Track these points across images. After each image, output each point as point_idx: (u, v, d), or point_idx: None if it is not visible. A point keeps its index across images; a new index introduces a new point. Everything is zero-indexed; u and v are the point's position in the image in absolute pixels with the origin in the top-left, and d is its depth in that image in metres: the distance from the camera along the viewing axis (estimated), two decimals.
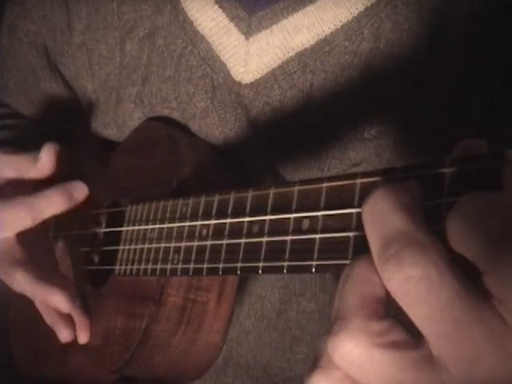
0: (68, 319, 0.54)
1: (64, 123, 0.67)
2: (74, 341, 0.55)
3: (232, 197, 0.39)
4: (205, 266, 0.40)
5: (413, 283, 0.22)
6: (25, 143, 0.66)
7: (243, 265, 0.36)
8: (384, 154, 0.51)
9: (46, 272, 0.53)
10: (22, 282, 0.51)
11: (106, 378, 0.57)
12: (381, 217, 0.24)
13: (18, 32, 0.63)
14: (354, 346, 0.23)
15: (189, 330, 0.48)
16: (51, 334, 0.55)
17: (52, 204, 0.52)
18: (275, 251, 0.34)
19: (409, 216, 0.24)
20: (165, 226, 0.45)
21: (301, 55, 0.51)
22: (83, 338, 0.55)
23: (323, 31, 0.50)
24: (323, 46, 0.50)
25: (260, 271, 0.35)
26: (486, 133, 0.50)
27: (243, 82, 0.52)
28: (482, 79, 0.50)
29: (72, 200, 0.52)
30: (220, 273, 0.38)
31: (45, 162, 0.53)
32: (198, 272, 0.40)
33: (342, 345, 0.23)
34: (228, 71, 0.53)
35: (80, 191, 0.53)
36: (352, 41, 0.50)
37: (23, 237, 0.52)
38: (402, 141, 0.51)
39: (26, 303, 0.55)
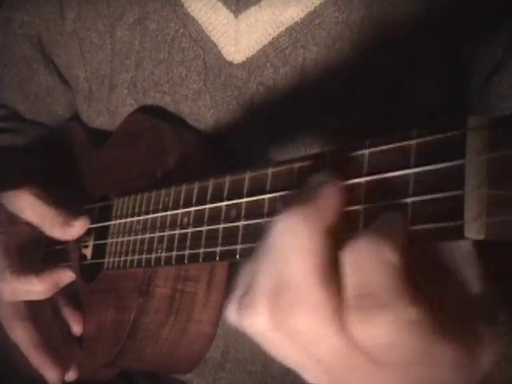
0: (56, 359, 0.52)
1: (58, 119, 0.67)
2: (72, 336, 0.56)
3: (211, 183, 0.39)
4: (186, 252, 0.40)
5: (381, 343, 0.24)
6: (19, 145, 0.67)
7: (221, 248, 0.36)
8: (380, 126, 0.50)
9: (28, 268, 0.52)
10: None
11: (103, 375, 0.57)
12: (364, 269, 0.24)
13: (13, 24, 0.64)
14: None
15: (178, 320, 0.48)
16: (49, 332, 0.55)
17: (35, 293, 0.50)
18: (252, 234, 0.34)
19: (391, 279, 0.24)
20: (149, 216, 0.45)
21: (291, 30, 0.50)
22: (77, 328, 0.55)
23: (312, 3, 0.49)
24: (313, 18, 0.49)
25: (238, 255, 0.35)
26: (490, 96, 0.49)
27: (235, 62, 0.52)
28: (481, 43, 0.49)
29: (57, 288, 0.51)
30: (200, 259, 0.38)
31: (74, 232, 0.52)
32: (180, 260, 0.40)
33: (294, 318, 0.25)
34: (219, 51, 0.52)
35: (67, 278, 0.52)
36: (342, 10, 0.49)
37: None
38: (397, 110, 0.50)
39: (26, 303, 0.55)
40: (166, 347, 0.48)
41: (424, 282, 0.27)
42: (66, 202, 0.54)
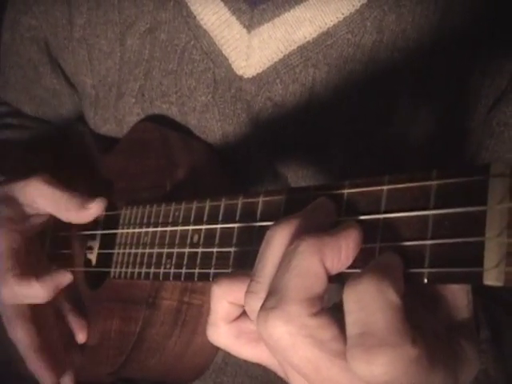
0: (53, 364, 0.52)
1: (64, 119, 0.67)
2: (73, 342, 0.56)
3: (223, 203, 0.39)
4: (196, 271, 0.40)
5: (384, 380, 0.24)
6: (24, 142, 0.66)
7: (233, 271, 0.36)
8: (388, 148, 0.50)
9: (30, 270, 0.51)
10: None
11: (104, 380, 0.58)
12: (368, 309, 0.24)
13: (20, 27, 0.63)
14: (287, 331, 0.25)
15: (184, 333, 0.48)
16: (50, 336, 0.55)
17: (36, 296, 0.49)
18: None
19: (395, 319, 0.24)
20: (158, 230, 0.45)
21: (303, 48, 0.50)
22: (81, 337, 0.55)
23: (325, 24, 0.49)
24: (325, 38, 0.49)
25: None
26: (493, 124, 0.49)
27: (245, 76, 0.52)
28: (489, 71, 0.49)
29: (57, 291, 0.50)
30: (211, 279, 0.38)
31: (90, 214, 0.50)
32: (189, 277, 0.40)
33: (275, 324, 0.26)
34: (230, 65, 0.52)
35: (67, 280, 0.51)
36: (354, 33, 0.49)
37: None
38: (407, 134, 0.50)
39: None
40: (170, 358, 0.48)
41: (418, 314, 0.27)
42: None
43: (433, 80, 0.49)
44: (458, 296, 0.29)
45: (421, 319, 0.27)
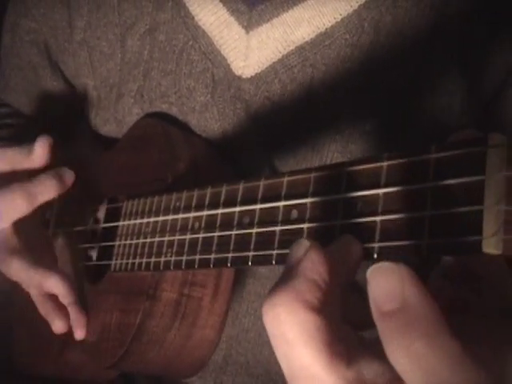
0: (62, 310, 0.54)
1: (64, 121, 0.68)
2: (72, 337, 0.55)
3: (224, 189, 0.39)
4: (197, 257, 0.40)
5: None
6: (25, 142, 0.67)
7: (233, 255, 0.36)
8: (386, 147, 0.51)
9: (42, 261, 0.53)
10: (18, 268, 0.51)
11: (104, 375, 0.57)
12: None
13: (20, 30, 0.64)
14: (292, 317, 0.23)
15: (183, 325, 0.48)
16: (50, 330, 0.55)
17: (46, 187, 0.52)
18: (265, 242, 0.34)
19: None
20: (159, 219, 0.45)
21: (301, 49, 0.51)
22: (80, 334, 0.55)
23: (323, 24, 0.50)
24: (323, 39, 0.50)
25: (250, 262, 0.35)
26: (485, 124, 0.50)
27: (243, 76, 0.52)
28: (483, 71, 0.50)
29: (63, 184, 0.52)
30: (211, 265, 0.38)
31: (39, 153, 0.53)
32: (190, 264, 0.40)
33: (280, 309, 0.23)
34: (228, 65, 0.53)
35: (69, 175, 0.53)
36: (352, 34, 0.50)
37: (20, 227, 0.52)
38: (404, 133, 0.51)
39: (27, 301, 0.55)
40: (170, 351, 0.48)
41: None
42: (75, 201, 0.54)
43: (430, 78, 0.50)
44: (500, 277, 0.27)
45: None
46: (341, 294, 0.26)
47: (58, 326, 0.54)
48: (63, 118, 0.67)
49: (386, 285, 0.22)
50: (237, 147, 0.54)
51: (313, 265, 0.24)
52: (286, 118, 0.52)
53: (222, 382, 0.58)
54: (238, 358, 0.57)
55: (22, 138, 0.65)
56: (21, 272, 0.52)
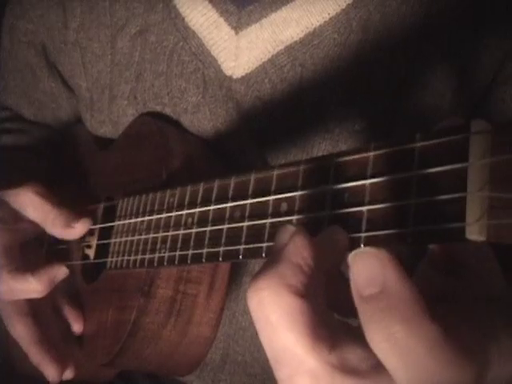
0: (55, 356, 0.52)
1: (63, 123, 0.68)
2: (71, 335, 0.56)
3: (216, 184, 0.39)
4: (189, 252, 0.40)
5: None
6: (23, 146, 0.67)
7: (225, 249, 0.36)
8: None
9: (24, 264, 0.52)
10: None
11: (103, 376, 0.58)
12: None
13: (17, 32, 0.64)
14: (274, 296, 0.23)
15: (179, 322, 0.48)
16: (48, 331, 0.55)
17: (32, 291, 0.50)
18: (255, 235, 0.34)
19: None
20: (153, 217, 0.46)
21: (290, 48, 0.51)
22: (77, 327, 0.55)
23: (312, 24, 0.50)
24: (312, 38, 0.50)
25: (240, 256, 0.35)
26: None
27: (234, 77, 0.53)
28: (471, 71, 0.50)
29: (53, 285, 0.51)
30: (203, 259, 0.38)
31: (75, 233, 0.52)
32: (183, 260, 0.41)
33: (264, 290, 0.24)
34: (219, 66, 0.53)
35: (62, 274, 0.51)
36: (340, 33, 0.50)
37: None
38: (393, 133, 0.51)
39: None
40: (165, 348, 0.48)
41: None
42: (71, 202, 0.54)
43: (417, 79, 0.50)
44: (486, 265, 0.28)
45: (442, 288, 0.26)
46: (328, 282, 0.26)
47: (52, 373, 0.51)
48: (62, 119, 0.67)
49: (367, 269, 0.22)
50: (229, 146, 0.54)
51: (297, 249, 0.25)
52: (277, 117, 0.52)
53: (219, 380, 0.58)
54: (236, 357, 0.57)
55: (23, 144, 0.66)
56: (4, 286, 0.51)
